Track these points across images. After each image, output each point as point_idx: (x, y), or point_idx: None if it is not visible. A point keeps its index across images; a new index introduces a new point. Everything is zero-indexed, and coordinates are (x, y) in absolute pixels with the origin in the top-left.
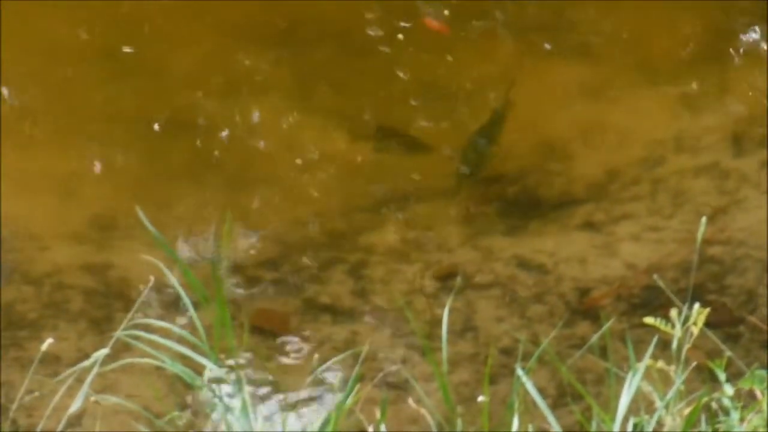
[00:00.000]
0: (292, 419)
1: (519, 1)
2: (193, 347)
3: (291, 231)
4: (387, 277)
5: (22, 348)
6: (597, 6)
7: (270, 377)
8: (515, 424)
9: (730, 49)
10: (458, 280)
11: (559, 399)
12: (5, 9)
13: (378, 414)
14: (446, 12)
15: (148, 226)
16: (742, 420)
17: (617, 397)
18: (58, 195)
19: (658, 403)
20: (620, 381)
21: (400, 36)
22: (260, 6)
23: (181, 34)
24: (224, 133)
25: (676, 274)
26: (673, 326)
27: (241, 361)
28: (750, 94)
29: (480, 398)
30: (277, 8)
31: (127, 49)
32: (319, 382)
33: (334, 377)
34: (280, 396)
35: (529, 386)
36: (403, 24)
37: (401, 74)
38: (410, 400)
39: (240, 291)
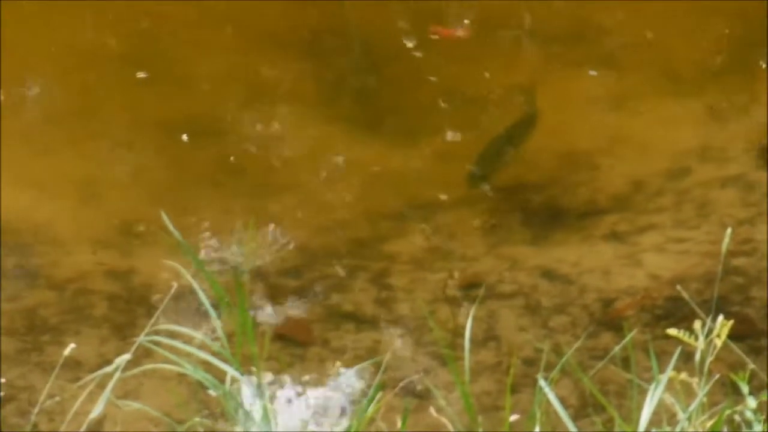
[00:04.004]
0: (313, 427)
1: (544, 10)
2: (215, 354)
3: (314, 239)
4: (410, 285)
5: (44, 352)
6: (623, 15)
7: (292, 385)
8: None
9: (757, 60)
10: (482, 289)
11: (581, 410)
12: (31, 14)
13: (399, 422)
14: (466, 21)
15: (173, 231)
16: None
17: (639, 408)
18: (81, 200)
19: (681, 415)
20: (643, 392)
21: (418, 46)
22: (285, 15)
23: (206, 42)
24: (248, 141)
25: (699, 286)
26: (697, 338)
27: (263, 368)
28: None
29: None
30: (302, 18)
31: (151, 56)
32: (341, 390)
33: (355, 385)
34: (302, 404)
35: (552, 397)
36: (426, 32)
37: (425, 83)
38: (432, 409)
39: (263, 298)
